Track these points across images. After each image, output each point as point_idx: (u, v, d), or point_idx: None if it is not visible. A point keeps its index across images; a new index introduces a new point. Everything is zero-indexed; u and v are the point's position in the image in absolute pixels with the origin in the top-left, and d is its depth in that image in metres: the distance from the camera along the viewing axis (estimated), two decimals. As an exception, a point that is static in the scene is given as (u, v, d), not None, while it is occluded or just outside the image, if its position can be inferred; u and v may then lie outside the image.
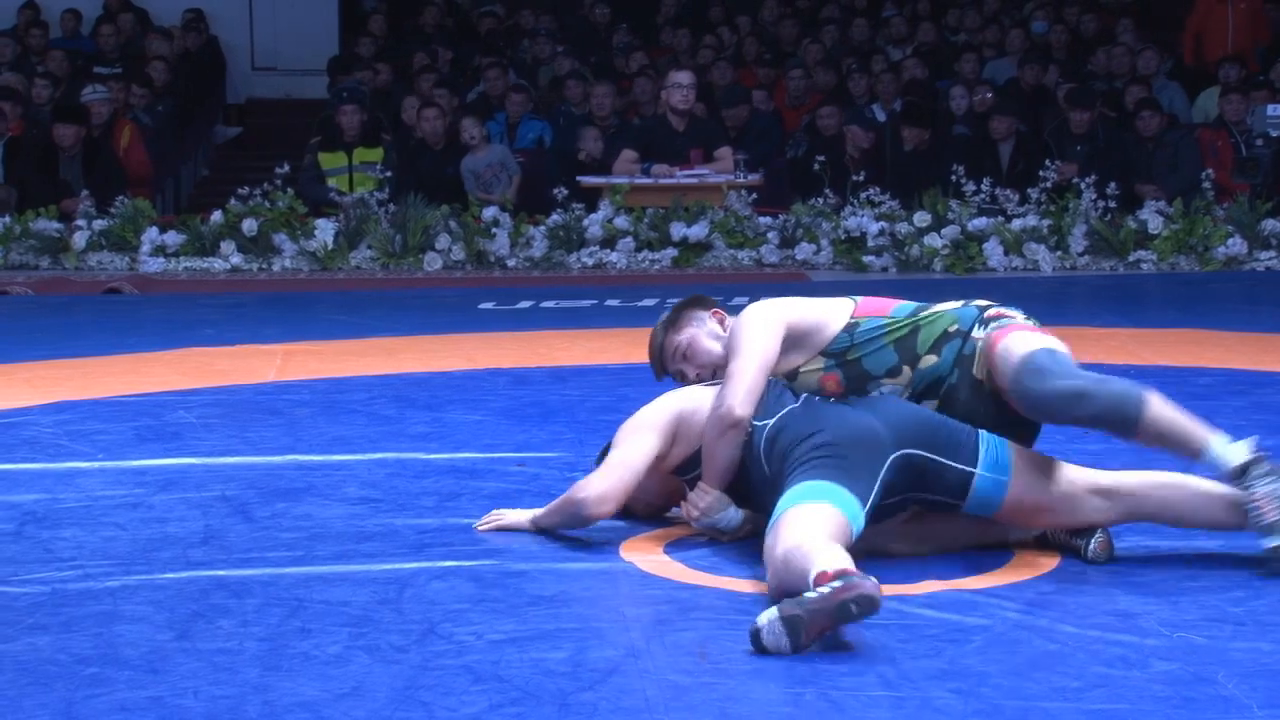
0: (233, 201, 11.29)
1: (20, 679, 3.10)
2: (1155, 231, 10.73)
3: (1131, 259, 10.73)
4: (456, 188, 11.90)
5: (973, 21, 15.63)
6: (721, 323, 4.40)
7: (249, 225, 11.11)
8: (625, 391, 6.32)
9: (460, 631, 3.35)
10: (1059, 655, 3.21)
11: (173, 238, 11.11)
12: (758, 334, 4.12)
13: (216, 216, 11.23)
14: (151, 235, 11.10)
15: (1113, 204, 10.86)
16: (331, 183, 11.85)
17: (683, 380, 4.38)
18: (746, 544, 4.04)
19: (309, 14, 16.54)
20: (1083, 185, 10.96)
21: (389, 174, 11.55)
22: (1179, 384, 5.46)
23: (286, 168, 11.39)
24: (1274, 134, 11.36)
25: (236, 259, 11.07)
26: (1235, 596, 3.52)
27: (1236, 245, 10.80)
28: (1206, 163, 11.67)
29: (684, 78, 11.71)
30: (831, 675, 3.07)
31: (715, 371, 4.28)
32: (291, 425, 5.77)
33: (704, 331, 4.38)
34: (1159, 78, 13.72)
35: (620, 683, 3.04)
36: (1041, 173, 11.16)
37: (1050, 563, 3.80)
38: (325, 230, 11.18)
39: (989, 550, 3.91)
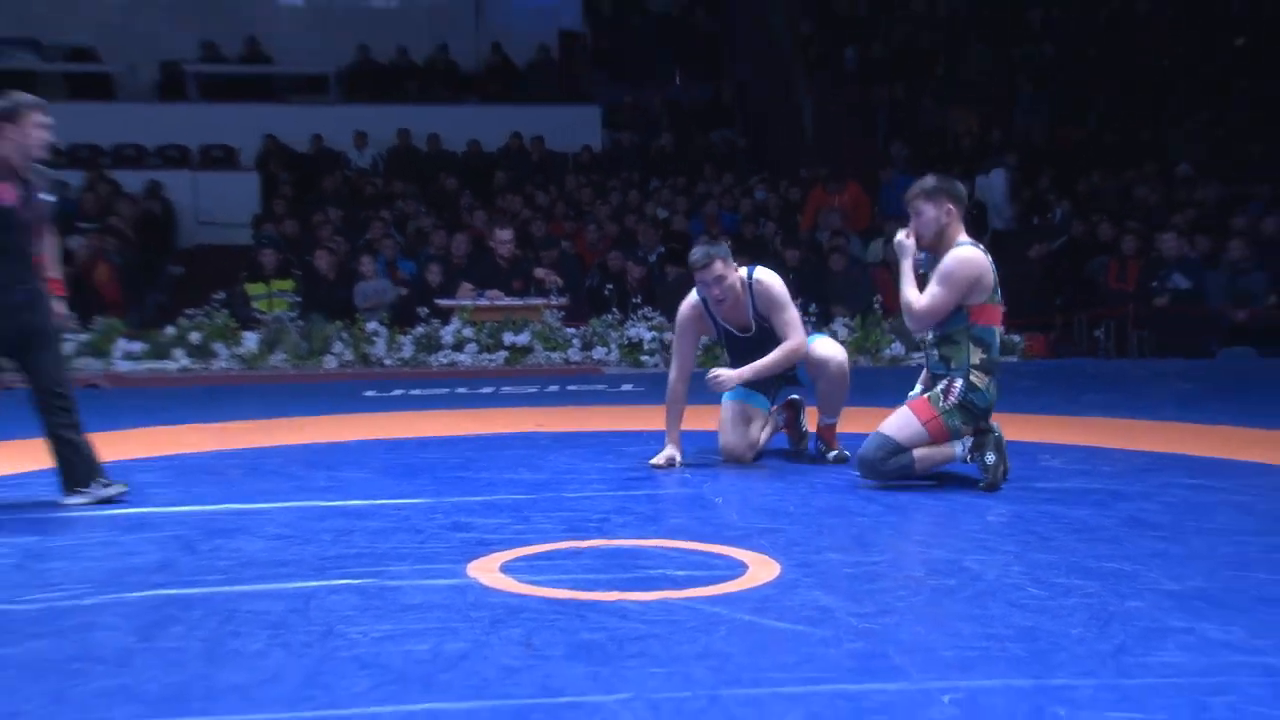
0: (182, 319, 11.09)
1: (22, 674, 2.99)
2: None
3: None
4: (346, 306, 11.83)
5: (717, 189, 15.97)
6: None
7: (195, 336, 10.91)
8: (471, 455, 6.30)
9: (351, 631, 3.30)
10: (780, 639, 3.25)
11: (137, 346, 10.86)
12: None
13: (170, 330, 11.02)
14: (121, 344, 10.85)
15: (814, 319, 11.11)
16: (255, 305, 11.69)
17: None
18: (562, 562, 4.04)
19: (237, 184, 16.39)
20: (791, 305, 11.17)
21: (298, 299, 11.42)
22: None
23: (223, 295, 11.25)
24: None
25: (185, 361, 10.84)
26: (900, 595, 3.60)
27: (898, 348, 11.11)
28: (877, 291, 12.00)
29: (505, 235, 11.90)
30: (619, 658, 3.06)
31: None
32: (228, 483, 5.64)
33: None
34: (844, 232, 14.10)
35: (468, 666, 3.01)
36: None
37: (774, 572, 3.85)
38: (251, 340, 11.02)
39: (731, 565, 3.96)
